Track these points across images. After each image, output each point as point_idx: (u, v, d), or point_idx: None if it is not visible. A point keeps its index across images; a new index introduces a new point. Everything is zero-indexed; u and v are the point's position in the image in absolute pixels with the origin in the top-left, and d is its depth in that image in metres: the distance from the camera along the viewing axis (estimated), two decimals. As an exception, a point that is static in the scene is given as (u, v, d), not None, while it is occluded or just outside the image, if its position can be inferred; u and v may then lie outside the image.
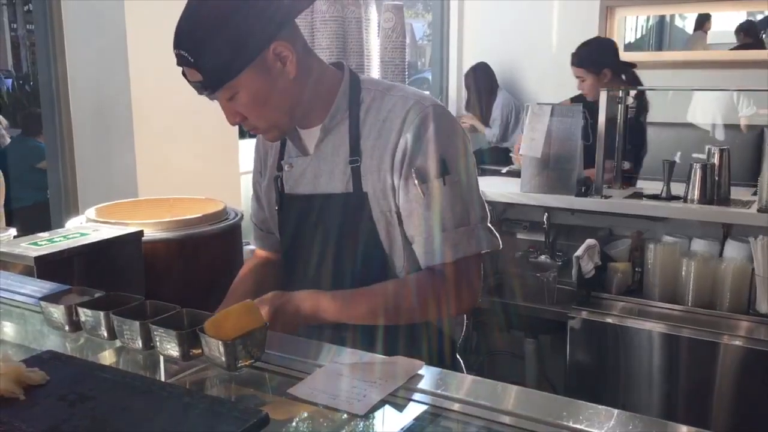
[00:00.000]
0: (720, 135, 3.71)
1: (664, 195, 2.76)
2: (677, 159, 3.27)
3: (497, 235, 1.37)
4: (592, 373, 2.66)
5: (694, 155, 3.32)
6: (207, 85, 1.24)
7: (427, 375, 1.01)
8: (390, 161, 1.31)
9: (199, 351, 1.04)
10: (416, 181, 1.29)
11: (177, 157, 3.51)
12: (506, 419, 0.91)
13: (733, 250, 2.54)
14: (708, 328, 2.44)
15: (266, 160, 1.52)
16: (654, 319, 2.53)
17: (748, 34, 4.57)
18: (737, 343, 2.38)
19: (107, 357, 1.15)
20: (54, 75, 3.33)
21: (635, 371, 2.57)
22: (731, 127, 3.76)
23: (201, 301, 1.35)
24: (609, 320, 2.59)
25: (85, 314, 1.14)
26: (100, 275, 1.91)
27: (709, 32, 5.17)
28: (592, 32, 4.50)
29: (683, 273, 2.56)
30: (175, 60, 1.25)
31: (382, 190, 1.32)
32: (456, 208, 1.31)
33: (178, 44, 1.24)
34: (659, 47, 6.05)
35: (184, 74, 1.27)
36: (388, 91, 1.36)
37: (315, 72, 1.34)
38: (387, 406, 0.94)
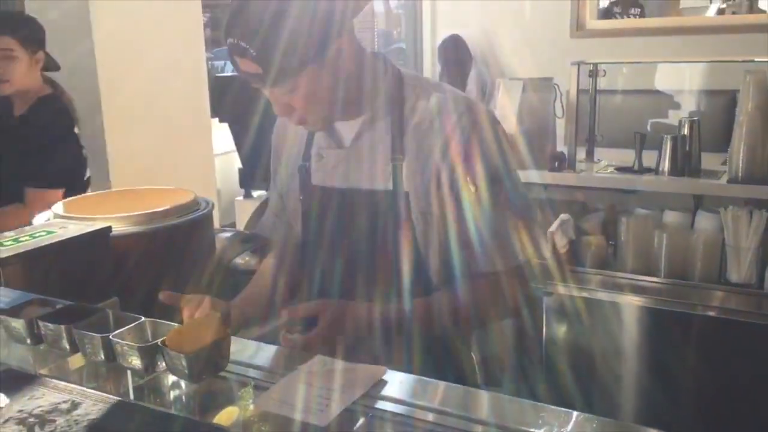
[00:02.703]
0: (691, 102, 3.71)
1: (636, 167, 2.77)
2: (648, 128, 3.27)
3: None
4: (569, 348, 2.69)
5: (664, 121, 3.32)
6: (266, 80, 1.17)
7: (391, 381, 1.01)
8: (438, 163, 1.28)
9: (163, 363, 1.04)
10: (472, 187, 1.26)
11: (149, 141, 3.46)
12: (473, 426, 0.91)
13: (704, 220, 2.56)
14: (681, 299, 2.47)
15: (284, 150, 1.47)
16: (628, 291, 2.55)
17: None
18: (710, 313, 2.42)
19: (72, 367, 1.14)
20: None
21: (611, 343, 2.59)
22: (702, 93, 3.76)
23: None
24: (584, 294, 2.61)
25: (46, 328, 1.13)
26: (69, 273, 1.89)
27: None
28: (565, 1, 4.45)
29: (655, 245, 2.58)
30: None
31: (425, 191, 1.29)
32: (511, 214, 1.29)
33: (235, 34, 1.15)
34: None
35: (233, 62, 1.19)
36: (435, 90, 1.33)
37: (364, 63, 1.31)
38: (349, 416, 0.94)
